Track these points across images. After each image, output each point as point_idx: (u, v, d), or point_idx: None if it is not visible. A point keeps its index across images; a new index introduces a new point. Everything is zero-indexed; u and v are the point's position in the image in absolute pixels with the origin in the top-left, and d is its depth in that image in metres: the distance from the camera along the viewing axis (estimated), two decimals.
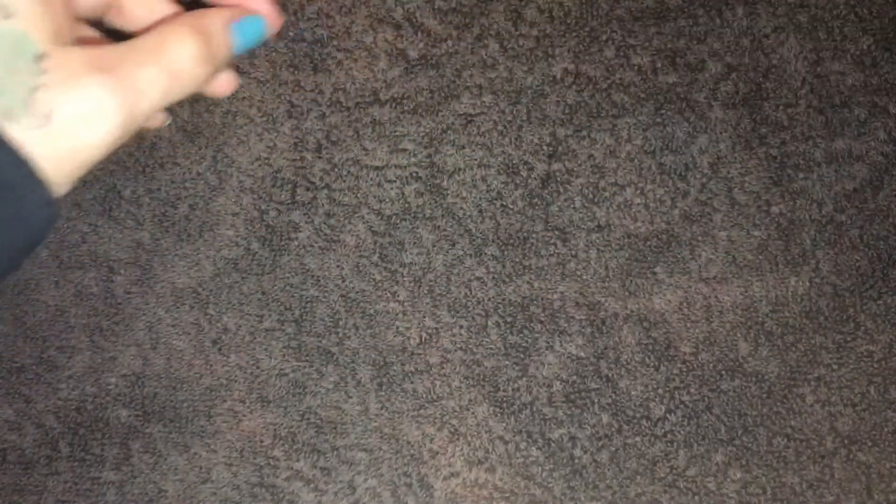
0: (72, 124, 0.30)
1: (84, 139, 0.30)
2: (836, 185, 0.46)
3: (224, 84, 0.41)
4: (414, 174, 0.45)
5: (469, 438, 0.41)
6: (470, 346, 0.43)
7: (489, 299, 0.44)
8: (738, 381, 0.44)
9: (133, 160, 0.45)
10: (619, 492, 0.41)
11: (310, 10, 0.45)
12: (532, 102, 0.47)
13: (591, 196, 0.46)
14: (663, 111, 0.47)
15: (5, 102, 0.29)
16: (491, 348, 0.43)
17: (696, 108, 0.47)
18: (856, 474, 0.43)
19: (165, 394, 0.44)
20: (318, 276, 0.45)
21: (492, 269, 0.45)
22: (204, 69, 0.35)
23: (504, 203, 0.45)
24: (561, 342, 0.43)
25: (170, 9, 0.42)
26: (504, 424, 0.42)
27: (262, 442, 0.42)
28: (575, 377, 0.43)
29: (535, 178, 0.46)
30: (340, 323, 0.45)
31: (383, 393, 0.43)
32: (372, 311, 0.45)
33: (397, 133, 0.45)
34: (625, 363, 0.43)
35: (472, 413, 0.42)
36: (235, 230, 0.45)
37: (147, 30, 0.41)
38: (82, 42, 0.33)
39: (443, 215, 0.45)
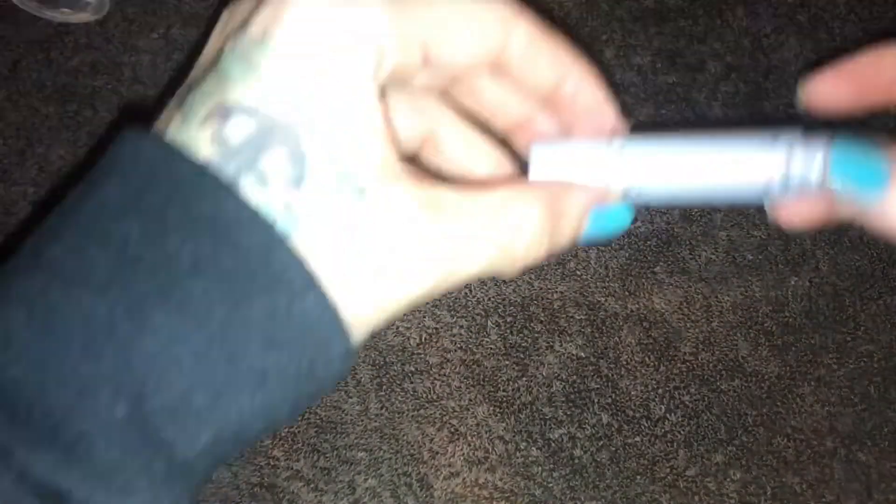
0: (383, 274, 0.27)
1: (391, 293, 0.28)
2: None
3: None
4: None
5: (469, 438, 0.41)
6: (470, 346, 0.43)
7: (489, 299, 0.44)
8: (738, 380, 0.44)
9: None
10: (619, 491, 0.41)
11: None
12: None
13: None
14: (664, 111, 0.47)
15: (315, 237, 0.27)
16: (491, 348, 0.43)
17: (697, 108, 0.47)
18: (855, 474, 0.43)
19: None
20: None
21: None
22: (538, 252, 0.31)
23: None
24: (561, 342, 0.43)
25: (497, 160, 0.37)
26: (504, 424, 0.42)
27: (262, 442, 0.42)
28: (575, 377, 0.43)
29: None
30: None
31: (383, 393, 0.43)
32: None
33: None
34: (625, 363, 0.43)
35: (472, 413, 0.42)
36: None
37: (469, 174, 0.37)
38: (417, 178, 0.29)
39: None
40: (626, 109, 0.47)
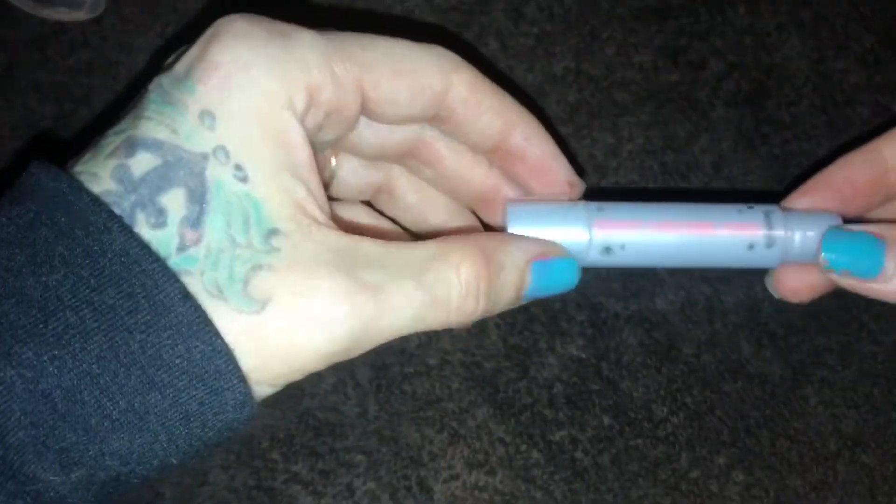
0: (289, 321, 0.25)
1: (299, 342, 0.25)
2: None
3: None
4: None
5: (469, 441, 0.41)
6: (470, 348, 0.43)
7: None
8: (741, 382, 0.44)
9: None
10: (620, 494, 0.41)
11: None
12: (532, 101, 0.46)
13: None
14: (665, 110, 0.47)
15: (217, 277, 0.24)
16: (491, 350, 0.43)
17: (698, 107, 0.47)
18: (859, 476, 0.43)
19: None
20: None
21: None
22: (474, 307, 0.28)
23: None
24: (562, 343, 0.43)
25: (453, 209, 0.35)
26: (504, 426, 0.42)
27: (259, 444, 0.42)
28: (576, 379, 0.43)
29: None
30: None
31: (382, 395, 0.42)
32: None
33: None
34: (626, 364, 0.43)
35: (472, 415, 0.42)
36: None
37: (424, 223, 0.35)
38: (345, 227, 0.28)
39: None
40: (628, 108, 0.46)
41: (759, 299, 0.44)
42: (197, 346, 0.23)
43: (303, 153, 0.25)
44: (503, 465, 0.41)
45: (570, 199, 0.35)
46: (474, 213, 0.37)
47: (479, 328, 0.44)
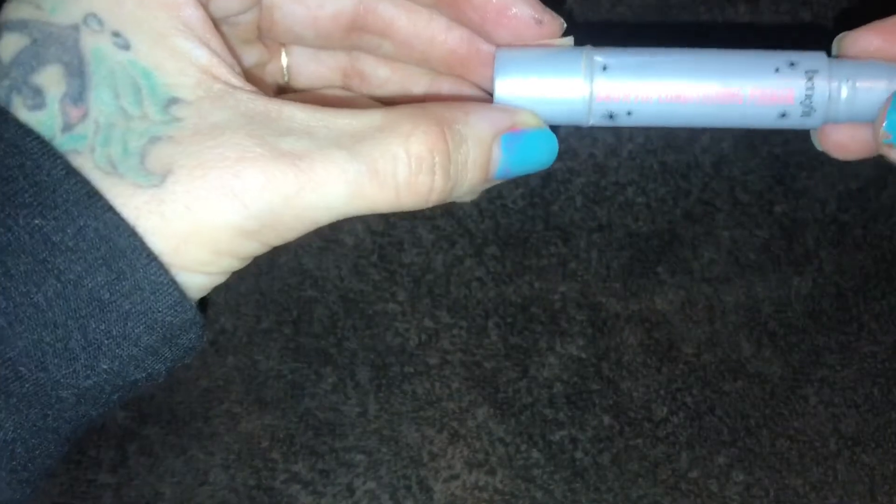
0: (193, 193, 0.22)
1: (207, 217, 0.22)
2: (839, 185, 0.46)
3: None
4: None
5: (469, 440, 0.41)
6: (470, 348, 0.43)
7: (489, 300, 0.44)
8: (741, 382, 0.43)
9: None
10: (620, 494, 0.41)
11: None
12: None
13: (592, 195, 0.45)
14: None
15: (110, 153, 0.22)
16: (491, 349, 0.43)
17: None
18: (859, 476, 0.43)
19: (162, 396, 0.44)
20: (317, 277, 0.45)
21: (492, 270, 0.44)
22: (428, 184, 0.24)
23: (504, 202, 0.45)
24: (562, 343, 0.43)
25: (436, 77, 0.31)
26: (504, 426, 0.42)
27: (259, 444, 0.42)
28: (576, 378, 0.43)
29: (535, 177, 0.45)
30: (339, 324, 0.44)
31: (382, 394, 0.42)
32: (371, 312, 0.44)
33: None
34: (626, 364, 0.43)
35: (472, 415, 0.42)
36: None
37: (405, 96, 0.31)
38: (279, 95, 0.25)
39: (442, 215, 0.45)
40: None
41: (759, 299, 0.44)
42: (90, 224, 0.21)
43: (191, 11, 0.23)
44: (503, 464, 0.41)
45: (561, 42, 0.29)
46: (469, 82, 0.32)
47: (479, 328, 0.44)
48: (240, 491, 0.42)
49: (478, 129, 0.25)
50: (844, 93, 0.29)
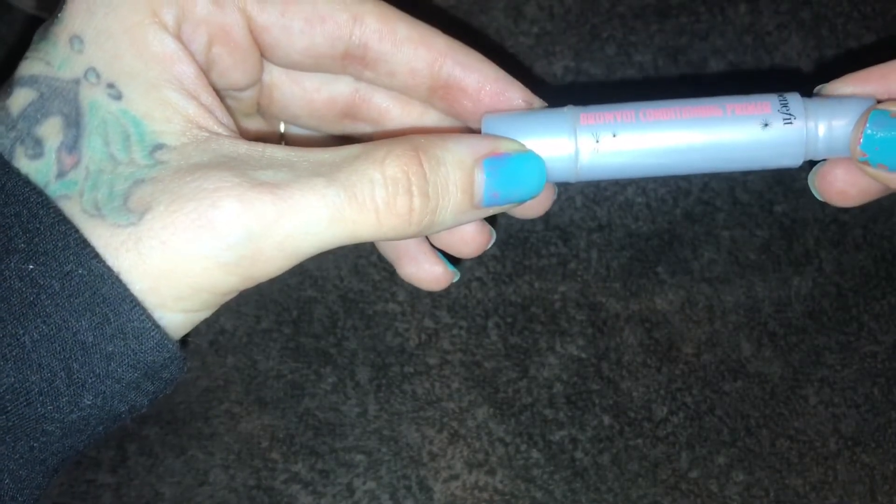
0: (169, 228, 0.22)
1: (184, 252, 0.22)
2: None
3: (472, 241, 0.28)
4: None
5: (469, 440, 0.41)
6: (470, 348, 0.43)
7: (489, 300, 0.44)
8: (741, 382, 0.43)
9: None
10: (620, 494, 0.41)
11: None
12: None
13: (591, 195, 0.45)
14: None
15: (96, 197, 0.23)
16: (491, 349, 0.43)
17: None
18: (859, 476, 0.43)
19: (162, 396, 0.44)
20: (316, 277, 0.45)
21: (492, 270, 0.44)
22: (407, 205, 0.24)
23: None
24: (562, 343, 0.43)
25: (420, 108, 0.30)
26: (504, 426, 0.42)
27: (259, 444, 0.42)
28: (576, 378, 0.43)
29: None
30: (339, 324, 0.44)
31: (382, 394, 0.42)
32: (370, 312, 0.44)
33: None
34: (626, 364, 0.43)
35: (472, 415, 0.42)
36: None
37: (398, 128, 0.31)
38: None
39: None
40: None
41: (759, 299, 0.44)
42: (76, 271, 0.22)
43: (184, 67, 0.24)
44: (503, 464, 0.41)
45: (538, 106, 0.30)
46: None
47: (479, 328, 0.44)
48: (240, 491, 0.41)
49: (456, 152, 0.25)
50: (821, 122, 0.29)
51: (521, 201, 0.27)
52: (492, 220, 0.31)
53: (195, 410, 0.44)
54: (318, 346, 0.44)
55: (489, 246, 0.30)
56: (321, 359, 0.44)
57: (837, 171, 0.30)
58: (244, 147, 0.24)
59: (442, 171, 0.25)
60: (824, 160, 0.30)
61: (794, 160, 0.29)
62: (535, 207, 0.30)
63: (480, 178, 0.26)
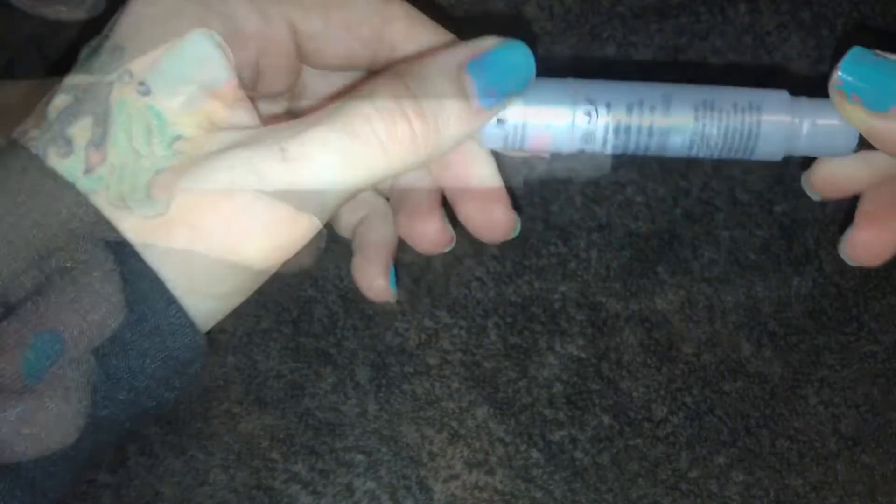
0: (191, 212, 0.23)
1: (209, 231, 0.24)
2: None
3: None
4: None
5: (469, 440, 0.41)
6: (469, 347, 0.43)
7: (489, 300, 0.44)
8: (741, 382, 0.43)
9: None
10: (620, 494, 0.41)
11: None
12: None
13: (591, 195, 0.45)
14: None
15: (121, 189, 0.24)
16: (491, 349, 0.43)
17: None
18: (859, 476, 0.43)
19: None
20: (316, 277, 0.45)
21: (492, 269, 0.44)
22: (408, 128, 0.25)
23: None
24: (561, 343, 0.43)
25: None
26: (504, 426, 0.42)
27: (259, 444, 0.42)
28: (576, 378, 0.43)
29: (535, 177, 0.45)
30: (339, 324, 0.44)
31: (382, 394, 0.42)
32: (370, 312, 0.44)
33: None
34: (626, 364, 0.43)
35: (472, 415, 0.42)
36: None
37: None
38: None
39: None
40: None
41: (759, 299, 0.44)
42: (115, 269, 0.23)
43: (219, 72, 0.25)
44: (503, 464, 0.41)
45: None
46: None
47: (479, 328, 0.44)
48: (239, 491, 0.41)
49: (438, 65, 0.26)
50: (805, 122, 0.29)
51: (519, 89, 0.27)
52: None
53: (195, 410, 0.44)
54: (317, 345, 0.44)
55: (516, 233, 0.30)
56: (321, 359, 0.44)
57: (865, 234, 0.31)
58: (256, 132, 0.25)
59: (430, 88, 0.25)
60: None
61: (775, 153, 0.29)
62: (499, 228, 0.30)
63: (469, 81, 0.26)
